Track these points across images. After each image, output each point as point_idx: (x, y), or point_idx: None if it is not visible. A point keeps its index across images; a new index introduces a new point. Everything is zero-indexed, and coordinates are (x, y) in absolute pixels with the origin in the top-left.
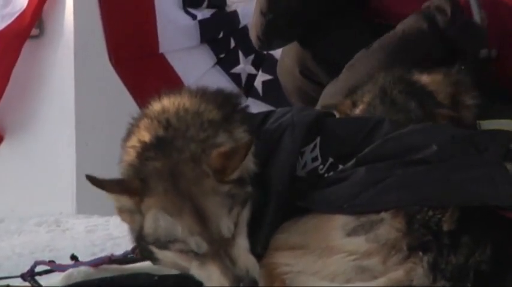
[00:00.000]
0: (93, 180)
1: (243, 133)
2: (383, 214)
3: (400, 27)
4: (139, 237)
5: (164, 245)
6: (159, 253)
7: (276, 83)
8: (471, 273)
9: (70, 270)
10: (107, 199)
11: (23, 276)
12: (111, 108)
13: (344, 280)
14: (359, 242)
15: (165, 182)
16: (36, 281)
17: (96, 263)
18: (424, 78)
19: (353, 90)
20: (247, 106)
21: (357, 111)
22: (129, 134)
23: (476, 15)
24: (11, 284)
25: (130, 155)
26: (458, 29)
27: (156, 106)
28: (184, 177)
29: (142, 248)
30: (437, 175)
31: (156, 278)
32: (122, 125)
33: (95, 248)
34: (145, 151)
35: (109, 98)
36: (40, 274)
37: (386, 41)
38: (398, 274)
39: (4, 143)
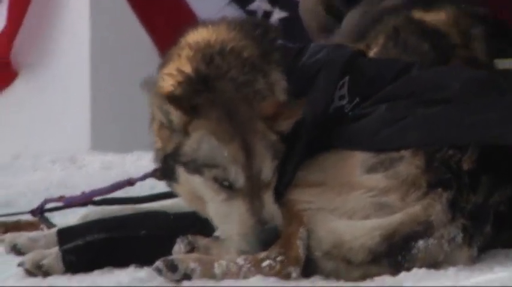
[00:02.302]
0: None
1: (279, 74)
2: (403, 152)
3: None
4: (169, 156)
5: (198, 168)
6: (184, 176)
7: (292, 20)
8: (491, 213)
9: (86, 211)
10: (151, 110)
11: (32, 212)
12: (126, 43)
13: (363, 216)
14: (378, 179)
15: (219, 112)
16: (45, 218)
17: (114, 188)
18: (429, 18)
19: (365, 31)
20: (285, 43)
21: (371, 54)
22: (167, 60)
23: None
24: (22, 219)
25: (167, 82)
26: None
27: (197, 37)
28: (239, 113)
29: (166, 168)
30: (457, 115)
31: (171, 217)
32: (137, 60)
33: None
34: (190, 83)
35: (124, 32)
36: (50, 210)
37: None
38: (416, 209)
39: (19, 79)
